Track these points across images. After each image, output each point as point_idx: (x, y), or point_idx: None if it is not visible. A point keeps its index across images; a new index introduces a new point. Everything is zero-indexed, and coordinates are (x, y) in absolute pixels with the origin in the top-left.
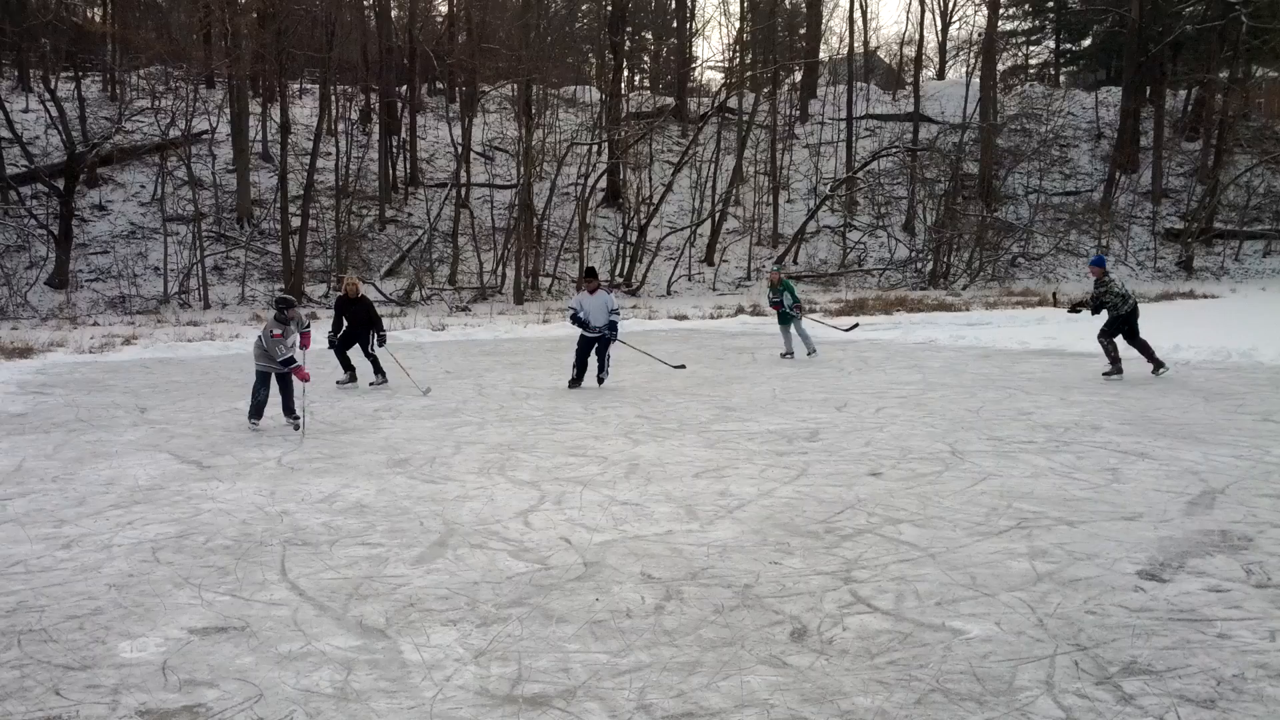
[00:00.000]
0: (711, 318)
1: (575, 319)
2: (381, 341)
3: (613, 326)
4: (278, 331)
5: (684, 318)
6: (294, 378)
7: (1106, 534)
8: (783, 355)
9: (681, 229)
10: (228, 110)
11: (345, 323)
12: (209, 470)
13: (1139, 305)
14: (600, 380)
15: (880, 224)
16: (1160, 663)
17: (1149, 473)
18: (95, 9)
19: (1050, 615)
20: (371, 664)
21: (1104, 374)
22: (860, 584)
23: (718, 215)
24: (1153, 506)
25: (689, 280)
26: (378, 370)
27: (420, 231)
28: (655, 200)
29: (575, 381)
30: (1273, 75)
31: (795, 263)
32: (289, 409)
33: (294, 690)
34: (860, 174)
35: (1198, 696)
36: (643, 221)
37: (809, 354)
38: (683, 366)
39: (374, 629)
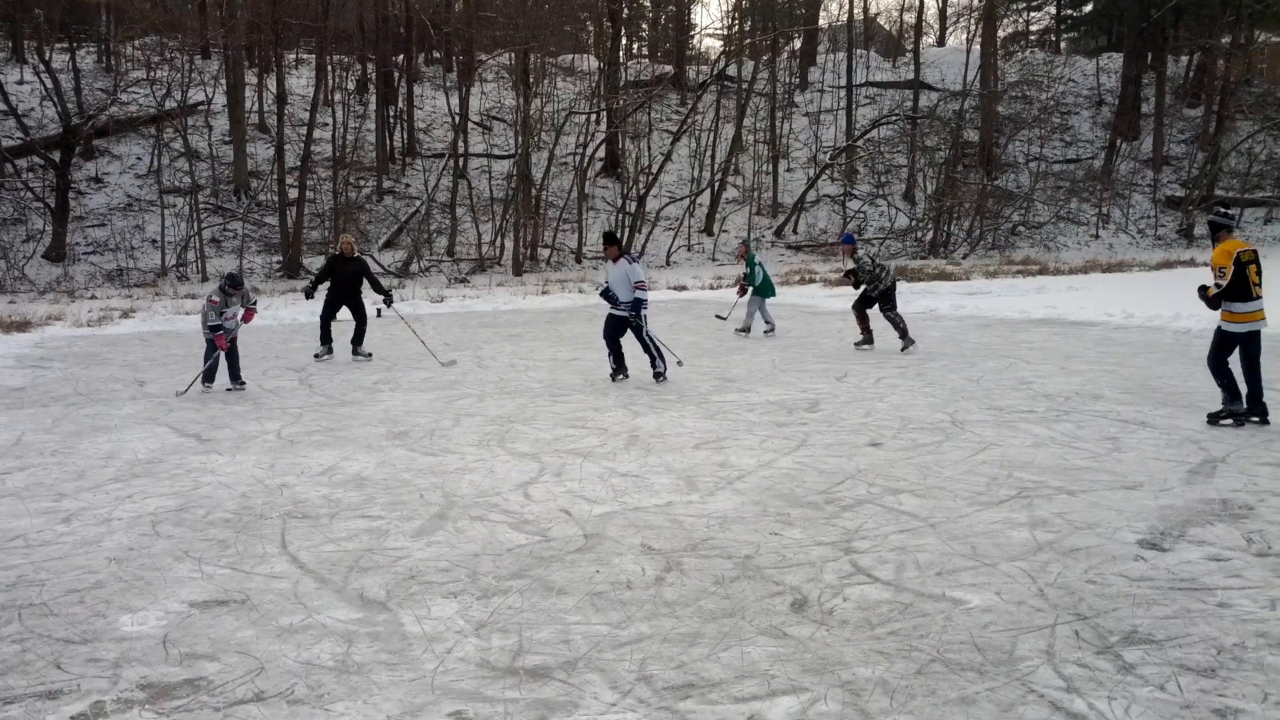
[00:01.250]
0: (711, 288)
1: (605, 294)
2: (389, 302)
3: (636, 306)
4: (215, 299)
5: (683, 288)
6: (236, 347)
7: (1107, 503)
8: (737, 330)
9: (681, 199)
10: (223, 81)
11: (330, 284)
12: (208, 443)
13: (896, 280)
14: (656, 375)
15: (880, 193)
16: (1161, 632)
17: (1149, 441)
18: None
19: (1051, 585)
20: (372, 636)
21: (855, 344)
22: (860, 554)
23: (717, 185)
24: (1153, 475)
25: (688, 250)
26: (359, 339)
27: (418, 202)
28: (654, 170)
29: (615, 372)
30: (1275, 40)
31: (795, 232)
32: (234, 374)
33: (295, 663)
34: (860, 142)
35: (1198, 665)
36: (642, 191)
37: (766, 331)
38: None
39: (375, 601)
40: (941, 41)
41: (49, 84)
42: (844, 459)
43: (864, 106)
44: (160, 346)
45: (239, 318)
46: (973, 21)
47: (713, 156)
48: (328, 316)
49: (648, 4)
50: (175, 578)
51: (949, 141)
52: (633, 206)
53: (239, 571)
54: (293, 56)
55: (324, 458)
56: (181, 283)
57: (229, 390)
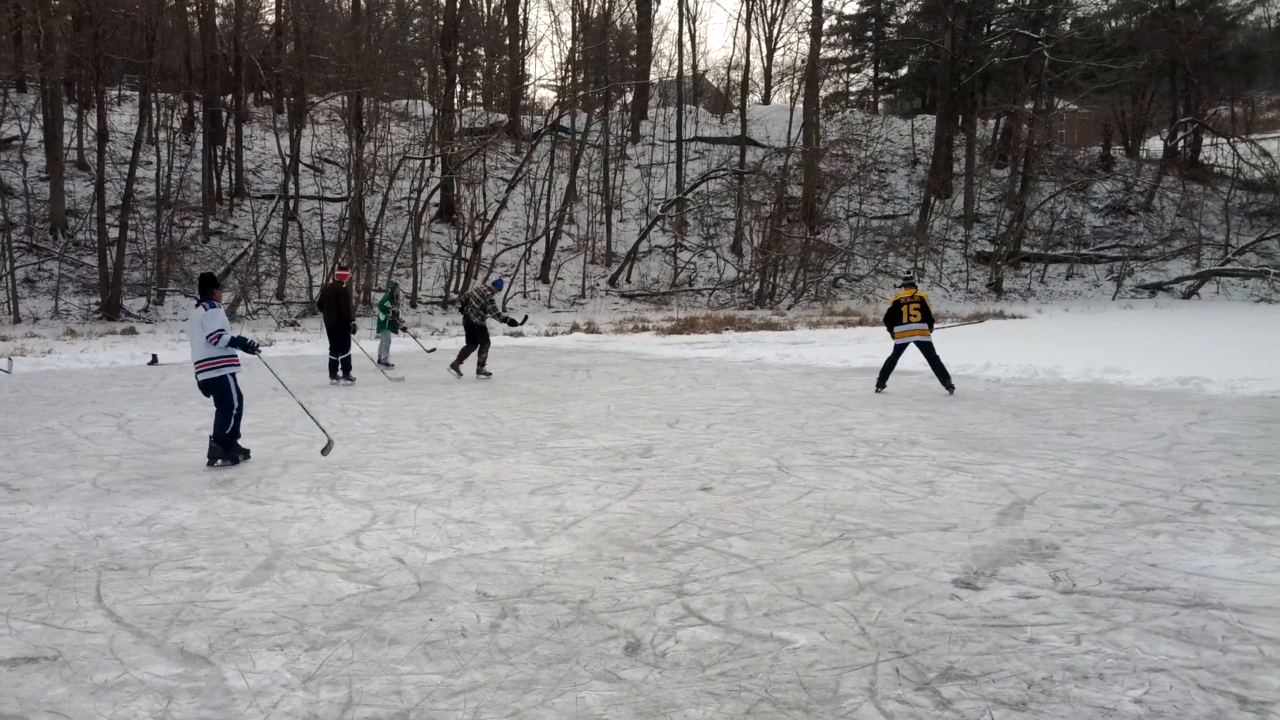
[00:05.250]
0: (547, 335)
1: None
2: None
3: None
4: None
5: (520, 334)
6: None
7: (924, 544)
8: (383, 363)
9: (516, 246)
10: (40, 116)
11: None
12: (18, 493)
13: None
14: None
15: (709, 245)
16: (975, 668)
17: (963, 485)
18: None
19: (872, 624)
20: (193, 692)
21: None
22: (692, 597)
23: (552, 233)
24: (967, 517)
25: (524, 297)
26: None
27: (246, 244)
28: (489, 217)
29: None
30: (1073, 108)
31: (629, 281)
32: None
33: None
34: (690, 195)
35: (1010, 699)
36: (477, 238)
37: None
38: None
39: (196, 656)
40: (767, 100)
41: None
42: (676, 503)
43: (693, 160)
44: None
45: None
46: (796, 81)
47: (548, 205)
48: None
49: (482, 53)
50: None
51: (774, 196)
52: (468, 252)
53: (50, 627)
54: (115, 92)
55: (143, 507)
56: None
57: None
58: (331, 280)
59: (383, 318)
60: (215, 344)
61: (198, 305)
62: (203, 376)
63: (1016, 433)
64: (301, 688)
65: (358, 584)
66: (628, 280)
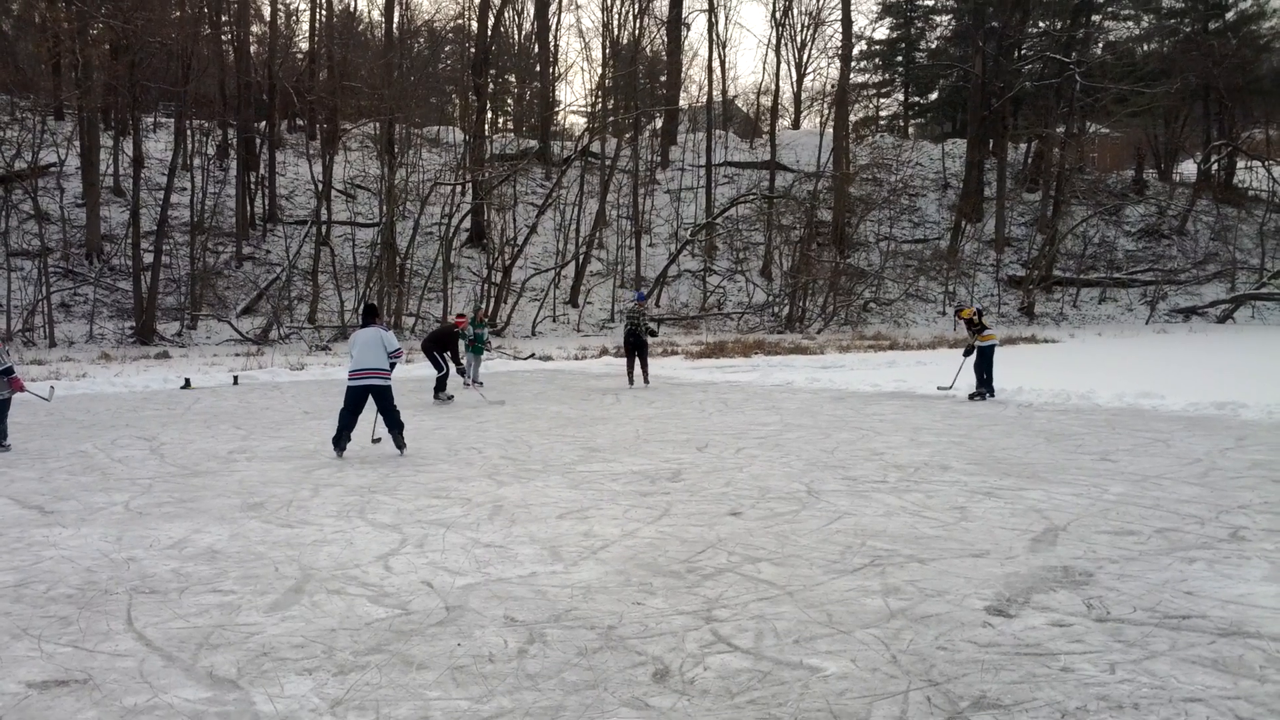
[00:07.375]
0: (576, 359)
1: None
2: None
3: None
4: None
5: (549, 358)
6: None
7: (956, 571)
8: (476, 384)
9: (546, 270)
10: (77, 143)
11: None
12: (51, 515)
13: (636, 330)
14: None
15: (739, 269)
16: (1008, 696)
17: (995, 511)
18: None
19: (903, 651)
20: (222, 716)
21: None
22: (721, 623)
23: (581, 257)
24: (999, 544)
25: (553, 321)
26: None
27: (279, 269)
28: (519, 241)
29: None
30: (1105, 131)
31: (658, 305)
32: (3, 432)
33: None
34: (719, 220)
35: None
36: (507, 262)
37: (479, 384)
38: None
39: (225, 679)
40: (796, 124)
41: None
42: (705, 528)
43: (723, 185)
44: None
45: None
46: (825, 106)
47: (577, 230)
48: None
49: (513, 80)
50: (12, 657)
51: (803, 220)
52: (498, 277)
53: (81, 650)
54: (151, 119)
55: (174, 530)
56: (28, 348)
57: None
58: (448, 323)
59: (476, 343)
60: (397, 358)
61: (366, 326)
62: (378, 382)
63: (1049, 458)
64: (329, 712)
65: (386, 608)
66: (657, 304)
